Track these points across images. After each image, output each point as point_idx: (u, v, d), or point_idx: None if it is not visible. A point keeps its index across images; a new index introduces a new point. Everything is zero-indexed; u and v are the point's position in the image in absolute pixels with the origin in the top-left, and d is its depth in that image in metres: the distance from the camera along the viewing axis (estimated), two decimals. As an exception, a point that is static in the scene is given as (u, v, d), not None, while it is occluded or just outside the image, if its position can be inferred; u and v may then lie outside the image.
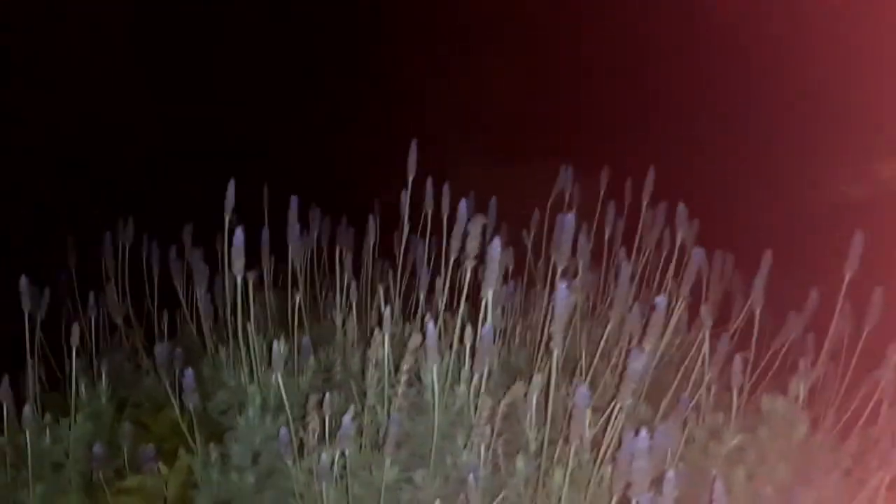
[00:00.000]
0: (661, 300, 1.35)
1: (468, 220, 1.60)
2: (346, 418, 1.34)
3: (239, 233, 1.51)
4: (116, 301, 1.99)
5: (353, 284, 1.94)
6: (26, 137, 2.44)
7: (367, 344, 1.90)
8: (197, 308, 2.01)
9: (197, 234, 2.06)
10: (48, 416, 1.60)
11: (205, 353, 2.01)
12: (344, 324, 1.94)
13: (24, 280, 1.66)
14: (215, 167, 1.86)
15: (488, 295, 1.45)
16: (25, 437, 1.54)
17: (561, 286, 1.29)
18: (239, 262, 1.51)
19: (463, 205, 1.61)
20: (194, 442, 1.64)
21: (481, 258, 1.48)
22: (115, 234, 2.10)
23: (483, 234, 1.54)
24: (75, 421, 1.63)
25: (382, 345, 1.58)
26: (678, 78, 2.65)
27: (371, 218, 2.09)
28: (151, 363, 2.04)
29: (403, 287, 2.00)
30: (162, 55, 2.70)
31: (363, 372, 1.82)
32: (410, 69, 2.85)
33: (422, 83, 2.90)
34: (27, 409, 1.50)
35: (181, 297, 2.08)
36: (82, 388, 1.71)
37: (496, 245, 1.39)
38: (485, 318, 1.49)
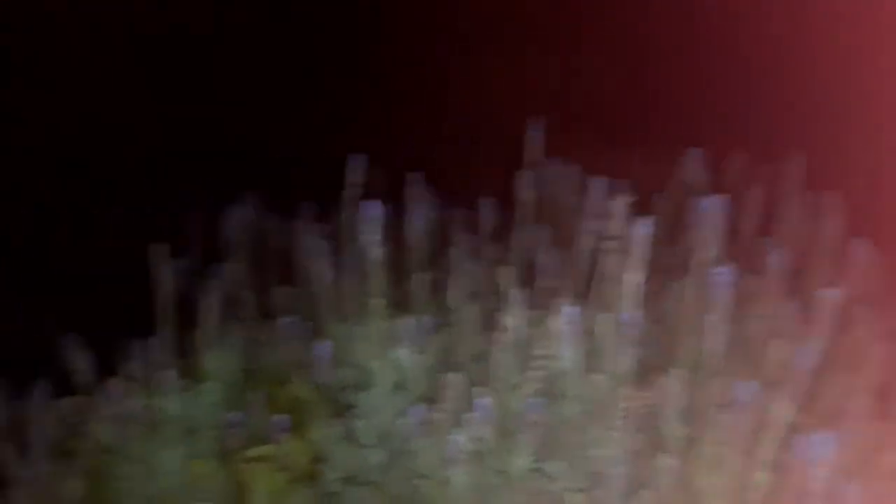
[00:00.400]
0: (830, 293, 1.24)
1: (602, 200, 1.53)
2: (483, 401, 1.30)
3: (375, 205, 1.48)
4: (241, 274, 2.03)
5: (471, 266, 1.90)
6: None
7: (486, 328, 1.87)
8: (314, 284, 2.04)
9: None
10: (182, 383, 1.64)
11: (323, 330, 2.02)
12: (461, 306, 1.91)
13: (158, 249, 1.70)
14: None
15: (633, 279, 1.37)
16: (162, 403, 1.59)
17: (722, 271, 1.20)
18: (373, 236, 1.49)
19: (599, 184, 1.54)
20: (321, 416, 1.64)
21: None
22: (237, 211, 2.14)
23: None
24: (206, 389, 1.66)
25: (511, 328, 1.53)
26: (824, 58, 2.48)
27: (486, 200, 2.05)
28: (272, 337, 2.07)
29: (522, 272, 1.95)
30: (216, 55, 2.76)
31: (484, 356, 1.78)
32: (521, 51, 2.80)
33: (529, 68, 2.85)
34: (165, 375, 1.53)
35: (299, 272, 2.11)
36: (212, 358, 1.74)
37: (645, 224, 1.31)
38: (625, 305, 1.42)
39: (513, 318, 1.48)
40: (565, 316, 1.43)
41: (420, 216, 1.82)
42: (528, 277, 1.82)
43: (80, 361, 1.62)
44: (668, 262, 1.84)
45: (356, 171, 1.67)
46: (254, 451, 1.61)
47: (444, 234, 2.17)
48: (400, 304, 2.00)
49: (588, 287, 1.67)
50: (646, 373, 1.49)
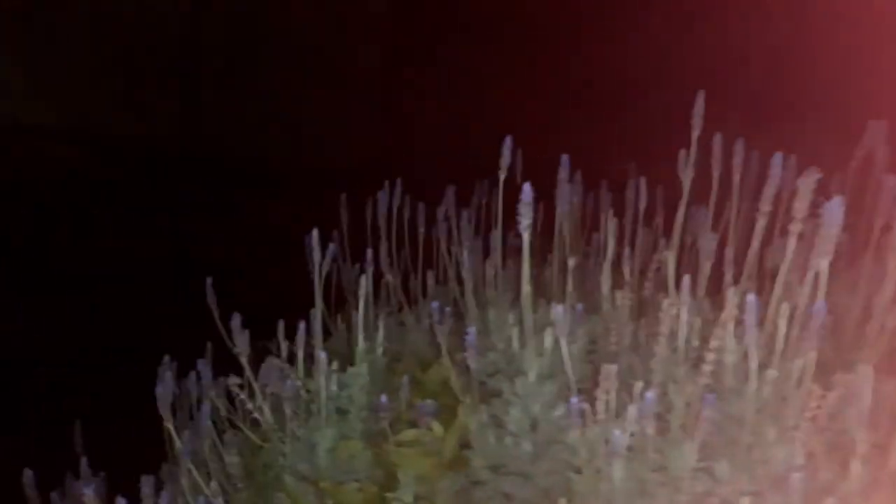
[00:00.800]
0: None
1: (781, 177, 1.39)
2: (649, 394, 1.21)
3: (527, 188, 1.43)
4: (388, 258, 2.05)
5: (624, 251, 1.81)
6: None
7: (640, 316, 1.77)
8: (458, 268, 2.02)
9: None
10: (335, 364, 1.67)
11: (466, 314, 2.00)
12: (613, 293, 1.82)
13: (314, 234, 1.74)
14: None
15: (821, 265, 1.23)
16: (314, 384, 1.63)
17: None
18: (526, 220, 1.44)
19: (777, 160, 1.39)
20: (468, 401, 1.62)
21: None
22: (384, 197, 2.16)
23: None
24: (358, 371, 1.68)
25: (672, 317, 1.43)
26: None
27: (634, 181, 1.94)
28: (414, 320, 2.08)
29: (684, 257, 1.82)
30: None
31: (638, 346, 1.69)
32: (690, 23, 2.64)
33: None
34: (322, 356, 1.57)
35: (443, 256, 2.10)
36: (361, 341, 1.77)
37: (836, 204, 1.17)
38: (807, 293, 1.28)
39: (674, 306, 1.37)
40: (733, 303, 1.31)
41: (567, 199, 1.75)
42: (689, 262, 1.71)
43: (240, 342, 1.69)
44: (853, 246, 1.66)
45: (506, 154, 1.62)
46: (403, 435, 1.61)
47: (593, 217, 2.08)
48: (548, 289, 1.94)
49: (759, 273, 1.53)
50: (830, 369, 1.34)
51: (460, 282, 2.01)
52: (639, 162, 2.08)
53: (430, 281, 2.14)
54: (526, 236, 1.47)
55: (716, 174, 1.70)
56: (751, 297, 1.21)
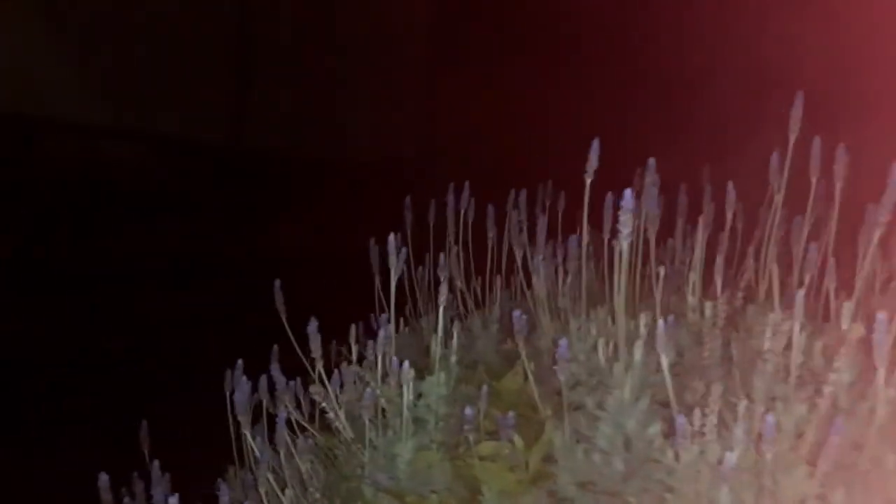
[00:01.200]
0: None
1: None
2: (770, 417, 1.14)
3: (628, 195, 1.36)
4: (458, 264, 2.00)
5: (713, 260, 1.73)
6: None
7: (728, 329, 1.69)
8: (528, 276, 1.96)
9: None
10: (413, 373, 1.62)
11: (539, 323, 1.93)
12: (700, 304, 1.74)
13: (392, 238, 1.69)
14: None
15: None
16: (390, 392, 1.58)
17: None
18: (626, 229, 1.37)
19: (896, 169, 1.30)
20: (549, 414, 1.56)
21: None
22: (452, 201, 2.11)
23: None
24: (437, 380, 1.63)
25: (775, 332, 1.35)
26: None
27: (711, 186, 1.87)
28: (481, 326, 2.02)
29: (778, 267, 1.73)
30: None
31: (729, 360, 1.61)
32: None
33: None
34: (405, 366, 1.52)
35: (512, 262, 2.04)
36: (437, 347, 1.71)
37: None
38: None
39: (785, 321, 1.30)
40: (849, 319, 1.23)
41: (654, 204, 1.68)
42: (785, 274, 1.62)
43: (314, 347, 1.65)
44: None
45: (592, 158, 1.56)
46: (482, 448, 1.56)
47: (665, 221, 2.01)
48: (630, 298, 1.86)
49: (865, 285, 1.45)
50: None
51: (527, 287, 1.95)
52: (710, 163, 2.01)
53: (491, 287, 2.08)
54: (626, 245, 1.40)
55: (814, 180, 1.62)
56: (880, 315, 1.13)
